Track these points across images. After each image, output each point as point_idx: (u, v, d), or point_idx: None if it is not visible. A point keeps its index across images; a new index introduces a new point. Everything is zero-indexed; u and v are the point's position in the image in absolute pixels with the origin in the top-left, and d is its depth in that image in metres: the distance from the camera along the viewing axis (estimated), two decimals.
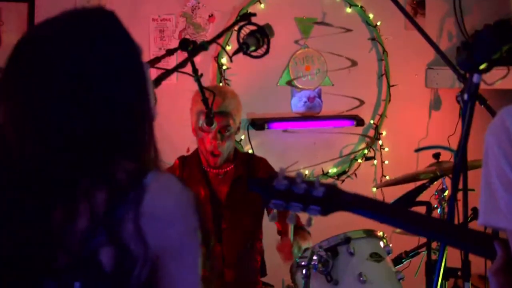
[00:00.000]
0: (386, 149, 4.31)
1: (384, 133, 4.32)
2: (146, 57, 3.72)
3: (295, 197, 1.26)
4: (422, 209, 2.87)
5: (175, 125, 3.97)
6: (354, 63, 4.28)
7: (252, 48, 2.58)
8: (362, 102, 4.31)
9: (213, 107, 2.76)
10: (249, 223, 3.05)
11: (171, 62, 3.53)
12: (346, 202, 1.29)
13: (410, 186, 3.04)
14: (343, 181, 4.27)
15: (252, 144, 4.05)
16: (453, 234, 1.36)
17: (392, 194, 3.18)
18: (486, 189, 1.18)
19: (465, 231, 1.45)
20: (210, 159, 2.98)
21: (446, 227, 1.42)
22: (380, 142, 4.32)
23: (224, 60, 3.99)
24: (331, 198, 1.27)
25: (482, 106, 2.20)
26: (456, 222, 2.59)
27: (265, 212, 3.08)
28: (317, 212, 1.28)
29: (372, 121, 4.33)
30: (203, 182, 3.02)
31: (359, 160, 4.30)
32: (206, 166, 3.05)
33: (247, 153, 3.70)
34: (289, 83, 4.16)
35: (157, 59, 2.54)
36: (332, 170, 4.26)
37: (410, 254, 3.18)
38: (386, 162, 4.31)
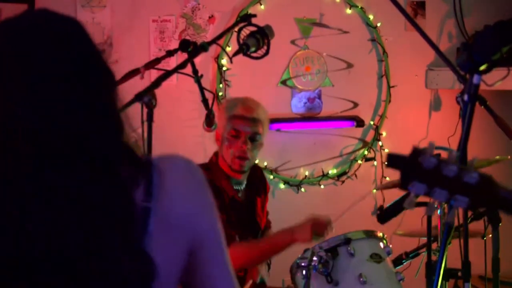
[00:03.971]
0: (386, 150, 4.31)
1: (384, 134, 4.32)
2: (146, 58, 3.73)
3: (442, 180, 1.08)
4: (422, 210, 2.86)
5: (175, 126, 3.98)
6: (353, 64, 4.28)
7: (252, 49, 2.58)
8: (362, 103, 4.31)
9: (247, 112, 2.93)
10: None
11: (171, 63, 3.53)
12: (502, 198, 1.10)
13: None
14: (343, 182, 4.27)
15: None
16: None
17: (392, 195, 3.18)
18: None
19: None
20: (237, 162, 2.95)
21: None
22: (380, 143, 4.32)
23: (224, 61, 4.00)
24: (485, 189, 1.08)
25: (482, 107, 2.20)
26: (456, 223, 2.59)
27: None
28: (464, 204, 1.09)
29: (372, 122, 4.33)
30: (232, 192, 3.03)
31: (359, 161, 4.29)
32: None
33: None
34: (289, 83, 4.16)
35: (157, 60, 2.54)
36: (332, 171, 4.26)
37: (410, 255, 3.18)
38: (386, 163, 4.30)
